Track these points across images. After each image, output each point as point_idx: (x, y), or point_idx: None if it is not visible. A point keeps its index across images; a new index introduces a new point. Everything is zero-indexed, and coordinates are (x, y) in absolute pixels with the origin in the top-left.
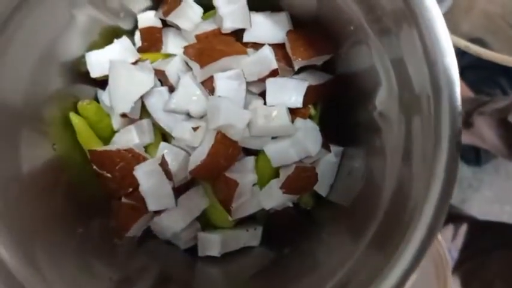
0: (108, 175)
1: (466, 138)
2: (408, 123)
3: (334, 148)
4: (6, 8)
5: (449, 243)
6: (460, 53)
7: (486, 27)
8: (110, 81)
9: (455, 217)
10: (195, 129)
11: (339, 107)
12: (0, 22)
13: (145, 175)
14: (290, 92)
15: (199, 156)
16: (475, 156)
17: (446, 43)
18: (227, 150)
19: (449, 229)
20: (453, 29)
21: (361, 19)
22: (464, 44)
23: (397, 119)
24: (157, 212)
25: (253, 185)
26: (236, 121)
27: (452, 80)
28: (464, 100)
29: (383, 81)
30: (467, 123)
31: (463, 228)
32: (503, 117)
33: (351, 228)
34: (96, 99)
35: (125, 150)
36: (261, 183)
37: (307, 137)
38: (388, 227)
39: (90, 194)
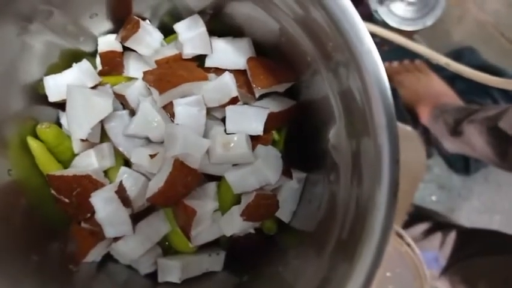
0: (66, 200)
1: (456, 147)
2: (356, 146)
3: (296, 174)
4: None
5: (437, 251)
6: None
7: (478, 35)
8: (68, 107)
9: (443, 225)
10: (152, 156)
11: (303, 133)
12: None
13: (102, 202)
14: (250, 119)
15: (157, 183)
16: (464, 165)
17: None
18: (185, 177)
19: (438, 237)
20: (444, 37)
21: (314, 52)
22: (445, 61)
23: (346, 146)
24: (116, 238)
25: (215, 211)
26: (193, 150)
27: (384, 92)
28: (454, 109)
29: (335, 111)
30: (457, 132)
31: (452, 235)
32: (493, 125)
33: (314, 247)
34: (58, 121)
35: (82, 175)
36: (223, 208)
37: (267, 164)
38: (348, 240)
39: (50, 218)
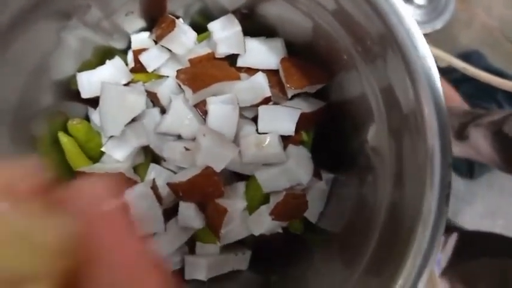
0: None
1: (461, 151)
2: (399, 147)
3: (325, 175)
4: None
5: (438, 253)
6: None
7: (484, 40)
8: (101, 104)
9: (446, 228)
10: (187, 149)
11: (332, 133)
12: None
13: (137, 199)
14: (282, 119)
15: (180, 176)
16: (468, 168)
17: (429, 59)
18: (207, 187)
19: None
20: (452, 41)
21: (350, 47)
22: (463, 65)
23: (388, 147)
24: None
25: (242, 210)
26: (214, 162)
27: (436, 93)
28: (459, 113)
29: (374, 110)
30: (463, 136)
31: (453, 237)
32: (497, 130)
33: (343, 255)
34: (87, 117)
35: (114, 174)
36: (251, 208)
37: (298, 164)
38: (383, 252)
39: None
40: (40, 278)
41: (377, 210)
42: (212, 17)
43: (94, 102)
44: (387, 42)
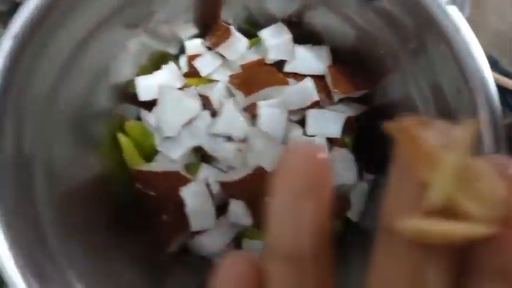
0: (152, 193)
1: None
2: None
3: (366, 175)
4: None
5: None
6: None
7: (496, 45)
8: (159, 106)
9: None
10: (239, 150)
11: (373, 136)
12: (71, 50)
13: (192, 196)
14: (329, 123)
15: (232, 175)
16: None
17: (478, 54)
18: (258, 187)
19: None
20: None
21: (396, 48)
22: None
23: None
24: (198, 232)
25: None
26: (266, 163)
27: (489, 91)
28: None
29: (421, 111)
30: None
31: None
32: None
33: None
34: (139, 119)
35: (171, 172)
36: None
37: (344, 166)
38: None
39: (131, 211)
40: None
41: None
42: (258, 24)
43: (149, 104)
44: (431, 35)
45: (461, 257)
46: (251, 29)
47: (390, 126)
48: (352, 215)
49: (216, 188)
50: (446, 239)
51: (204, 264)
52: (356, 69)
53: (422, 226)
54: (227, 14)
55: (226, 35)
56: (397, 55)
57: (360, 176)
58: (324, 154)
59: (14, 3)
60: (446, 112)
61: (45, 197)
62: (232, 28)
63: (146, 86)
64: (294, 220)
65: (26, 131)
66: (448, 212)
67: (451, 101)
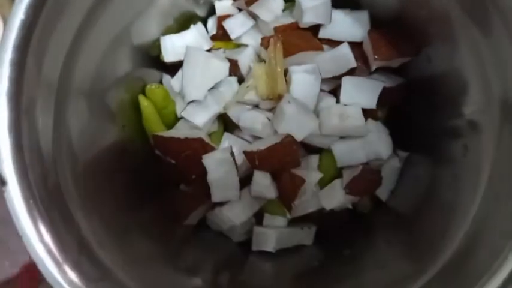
0: (172, 161)
1: None
2: (506, 133)
3: (400, 153)
4: None
5: None
6: None
7: None
8: (185, 68)
9: None
10: (269, 119)
11: (408, 110)
12: (88, 8)
13: (215, 164)
14: (365, 92)
15: (258, 145)
16: None
17: None
18: (285, 156)
19: None
20: None
21: (452, 7)
22: None
23: (493, 128)
24: (219, 204)
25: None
26: (296, 130)
27: None
28: None
29: (473, 85)
30: None
31: None
32: None
33: (411, 246)
34: (160, 84)
35: (193, 138)
36: (322, 182)
37: (379, 139)
38: (462, 262)
39: (147, 179)
40: None
41: (462, 200)
42: None
43: (172, 68)
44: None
45: None
46: None
47: None
48: (382, 193)
49: (239, 159)
50: None
51: (221, 241)
52: (398, 35)
53: None
54: None
55: None
56: (450, 20)
57: (395, 152)
58: None
59: None
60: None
61: (67, 168)
62: None
63: (172, 46)
64: None
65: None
66: None
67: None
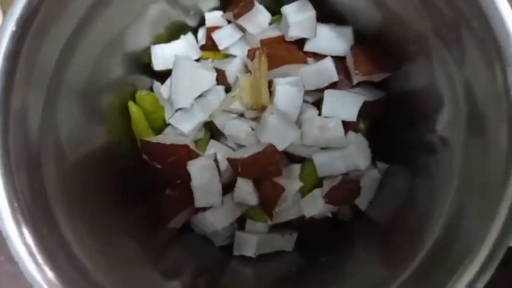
0: (158, 166)
1: None
2: (471, 149)
3: (379, 164)
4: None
5: None
6: None
7: None
8: (174, 76)
9: None
10: (252, 128)
11: (388, 124)
12: (84, 13)
13: (199, 171)
14: (347, 105)
15: (241, 153)
16: None
17: None
18: (268, 165)
19: None
20: None
21: (429, 32)
22: None
23: (459, 144)
24: (202, 209)
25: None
26: (278, 140)
27: None
28: None
29: (446, 101)
30: None
31: None
32: None
33: (388, 251)
34: (151, 91)
35: (179, 145)
36: (303, 190)
37: (359, 151)
38: (433, 264)
39: (134, 183)
40: None
41: (435, 209)
42: (281, 1)
43: (162, 76)
44: (470, 23)
45: None
46: (273, 6)
47: None
48: (361, 202)
49: (223, 165)
50: None
51: (203, 245)
52: (379, 51)
53: None
54: None
55: (249, 6)
56: (428, 41)
57: (374, 163)
58: None
59: None
60: (475, 110)
61: (53, 170)
62: (256, 1)
63: (162, 55)
64: None
65: (33, 110)
66: None
67: (486, 89)
